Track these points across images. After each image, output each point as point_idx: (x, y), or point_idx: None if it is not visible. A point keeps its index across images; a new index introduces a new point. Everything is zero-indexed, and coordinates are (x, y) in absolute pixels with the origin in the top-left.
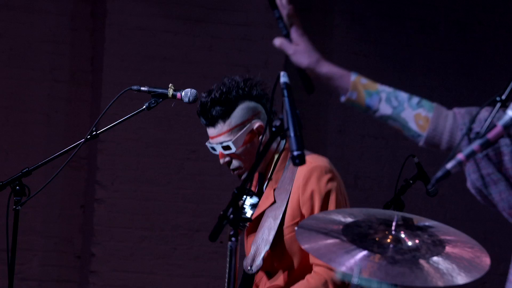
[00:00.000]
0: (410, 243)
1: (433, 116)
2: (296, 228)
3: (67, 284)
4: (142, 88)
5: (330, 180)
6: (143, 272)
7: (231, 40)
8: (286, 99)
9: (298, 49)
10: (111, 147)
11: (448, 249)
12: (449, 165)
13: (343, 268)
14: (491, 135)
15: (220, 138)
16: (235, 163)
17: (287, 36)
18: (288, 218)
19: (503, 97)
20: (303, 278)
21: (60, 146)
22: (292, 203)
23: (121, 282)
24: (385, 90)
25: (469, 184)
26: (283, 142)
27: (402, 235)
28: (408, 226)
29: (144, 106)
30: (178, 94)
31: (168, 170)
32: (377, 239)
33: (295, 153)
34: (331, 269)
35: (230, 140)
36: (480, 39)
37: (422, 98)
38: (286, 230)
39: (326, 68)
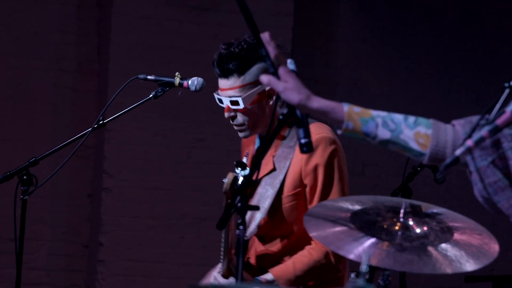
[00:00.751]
0: (418, 230)
1: (433, 132)
2: (297, 200)
3: (75, 274)
4: (149, 77)
5: (334, 151)
6: (151, 261)
7: (237, 29)
8: None
9: (287, 86)
10: (118, 136)
11: (456, 236)
12: (458, 152)
13: (351, 256)
14: (500, 121)
15: (231, 92)
16: (239, 119)
17: (275, 73)
18: (288, 188)
19: None
20: (300, 245)
21: (66, 136)
22: (293, 172)
23: (128, 271)
24: (379, 115)
25: (476, 193)
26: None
27: (410, 222)
28: (416, 213)
29: (151, 95)
30: (185, 83)
31: (175, 159)
32: (385, 226)
33: (303, 140)
34: None
35: (240, 96)
36: (487, 26)
37: (417, 116)
38: (285, 199)
39: (317, 103)
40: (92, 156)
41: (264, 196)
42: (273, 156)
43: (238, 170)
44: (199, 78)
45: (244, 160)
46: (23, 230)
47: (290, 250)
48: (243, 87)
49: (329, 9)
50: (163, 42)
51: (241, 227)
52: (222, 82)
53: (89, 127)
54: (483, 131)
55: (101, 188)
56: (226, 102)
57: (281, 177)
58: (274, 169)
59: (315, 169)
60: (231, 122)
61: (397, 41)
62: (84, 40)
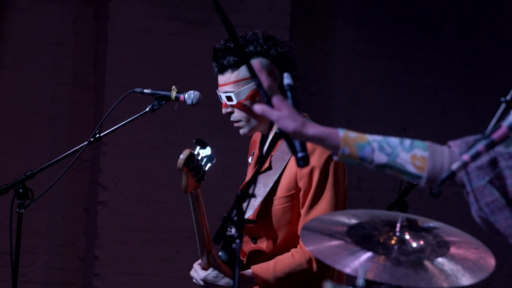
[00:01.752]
0: (414, 244)
1: (429, 155)
2: (290, 202)
3: (70, 287)
4: (145, 91)
5: (331, 155)
6: (147, 274)
7: None
8: (290, 101)
9: (282, 114)
10: (114, 149)
11: (452, 250)
12: (454, 166)
13: (348, 270)
14: (496, 135)
15: (226, 87)
16: (235, 115)
17: (268, 102)
18: (281, 189)
19: (508, 97)
20: (289, 248)
21: (63, 149)
22: (288, 174)
23: (124, 285)
24: (375, 139)
25: (473, 213)
26: None
27: (407, 236)
28: (412, 227)
29: (147, 109)
30: (181, 96)
31: (171, 172)
32: (381, 240)
33: (299, 154)
34: None
35: (233, 91)
36: (484, 40)
37: (413, 139)
38: (277, 201)
39: (313, 130)
40: (88, 169)
41: (256, 194)
42: (271, 155)
43: (197, 148)
44: (196, 91)
45: (250, 160)
46: (19, 244)
47: (280, 251)
48: (237, 82)
49: (326, 23)
50: (160, 55)
51: (237, 241)
52: (219, 78)
53: (86, 140)
54: (479, 146)
55: (97, 201)
56: (223, 98)
57: (275, 178)
58: (270, 168)
59: (311, 172)
60: (231, 119)
61: (394, 55)
62: (81, 53)
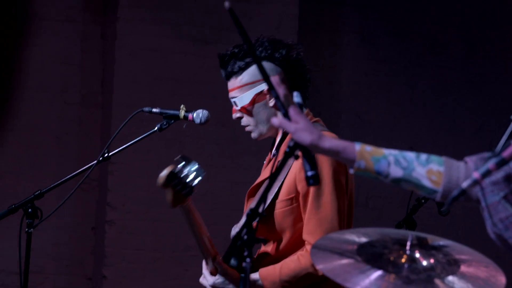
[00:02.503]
0: (425, 263)
1: (445, 169)
2: (290, 205)
3: None
4: (154, 110)
5: (332, 162)
6: None
7: None
8: None
9: (298, 127)
10: (121, 168)
11: (463, 268)
12: (465, 184)
13: None
14: (506, 153)
15: (232, 93)
16: (244, 120)
17: (285, 115)
18: (283, 193)
19: None
20: (294, 250)
21: (71, 168)
22: (289, 178)
23: None
24: (391, 153)
25: (488, 229)
26: None
27: (417, 255)
28: (422, 245)
29: (156, 128)
30: (190, 115)
31: None
32: (391, 258)
33: (309, 173)
34: None
35: (237, 97)
36: (490, 57)
37: (429, 154)
38: (278, 204)
39: (329, 143)
40: (96, 188)
41: None
42: (278, 161)
43: (182, 163)
44: (204, 110)
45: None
46: (28, 263)
47: (285, 254)
48: (241, 87)
49: (333, 41)
50: (167, 74)
51: (248, 259)
52: (228, 84)
53: (94, 159)
54: (490, 164)
55: (104, 220)
56: (232, 104)
57: (279, 183)
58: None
59: None
60: (241, 124)
61: (400, 72)
62: (88, 72)
